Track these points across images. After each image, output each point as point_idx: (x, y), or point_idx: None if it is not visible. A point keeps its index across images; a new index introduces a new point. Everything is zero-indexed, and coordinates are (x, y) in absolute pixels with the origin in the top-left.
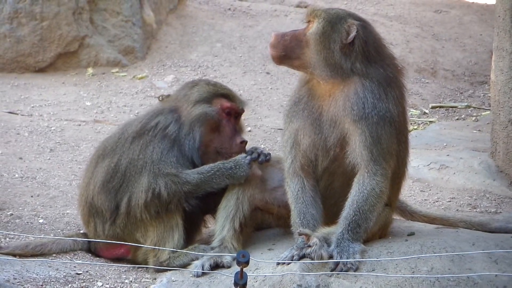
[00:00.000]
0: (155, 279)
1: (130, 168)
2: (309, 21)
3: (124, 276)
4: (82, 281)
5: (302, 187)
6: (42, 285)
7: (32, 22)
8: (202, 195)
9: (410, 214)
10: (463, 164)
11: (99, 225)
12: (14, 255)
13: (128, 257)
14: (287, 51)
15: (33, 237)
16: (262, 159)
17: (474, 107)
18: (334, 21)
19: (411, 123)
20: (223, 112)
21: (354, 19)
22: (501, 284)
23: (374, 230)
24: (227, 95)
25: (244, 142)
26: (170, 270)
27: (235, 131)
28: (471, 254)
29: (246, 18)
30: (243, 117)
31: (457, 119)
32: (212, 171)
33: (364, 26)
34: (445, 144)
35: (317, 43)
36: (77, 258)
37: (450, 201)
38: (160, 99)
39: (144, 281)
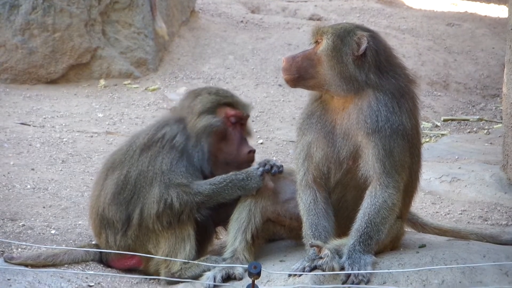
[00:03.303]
0: None
1: (140, 179)
2: (316, 41)
3: None
4: None
5: (314, 199)
6: None
7: (44, 33)
8: (214, 206)
9: (421, 226)
10: (475, 177)
11: (110, 236)
12: (26, 266)
13: (139, 268)
14: (301, 72)
15: (45, 247)
16: (275, 171)
17: (486, 120)
18: (343, 34)
19: (423, 136)
20: (228, 120)
21: (361, 30)
22: None
23: (385, 242)
24: (230, 103)
25: (252, 152)
26: (181, 281)
27: (242, 140)
28: (482, 266)
29: (259, 30)
30: (251, 121)
31: (469, 132)
32: (224, 182)
33: (374, 37)
34: (456, 157)
35: (329, 59)
36: (89, 269)
37: (461, 214)
38: (172, 111)
39: None
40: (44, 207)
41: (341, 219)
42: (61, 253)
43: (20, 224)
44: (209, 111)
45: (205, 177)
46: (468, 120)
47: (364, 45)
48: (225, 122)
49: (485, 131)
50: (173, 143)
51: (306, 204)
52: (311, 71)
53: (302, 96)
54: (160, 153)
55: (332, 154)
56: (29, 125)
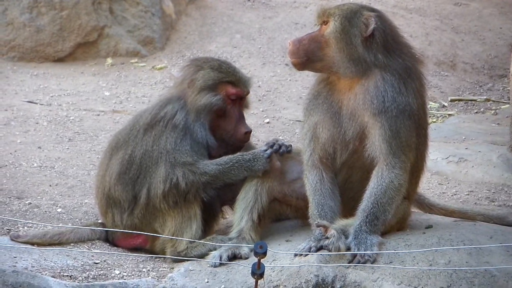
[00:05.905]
0: (172, 268)
1: (145, 159)
2: (323, 22)
3: (142, 266)
4: (99, 269)
5: (320, 179)
6: (60, 273)
7: (52, 11)
8: (220, 185)
9: (428, 207)
10: (482, 158)
11: (117, 215)
12: (33, 244)
13: (145, 247)
14: (309, 55)
15: (51, 226)
16: (283, 150)
17: (493, 101)
18: (350, 16)
19: (429, 116)
20: (228, 98)
21: (368, 10)
22: None
23: (392, 223)
24: (232, 81)
25: (248, 132)
26: (187, 260)
27: (240, 118)
28: (489, 247)
29: (266, 9)
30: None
31: (476, 112)
32: (231, 163)
33: (380, 17)
34: (463, 137)
35: (338, 41)
36: (94, 248)
37: (468, 195)
38: (175, 85)
39: (161, 270)
40: (50, 186)
41: (347, 199)
42: (67, 232)
43: (27, 202)
44: (210, 88)
45: (210, 153)
46: (475, 100)
47: (372, 26)
48: (225, 100)
49: (493, 111)
50: (174, 122)
51: (312, 184)
52: (319, 53)
53: (309, 76)
54: (164, 132)
55: (338, 135)
56: (36, 103)
